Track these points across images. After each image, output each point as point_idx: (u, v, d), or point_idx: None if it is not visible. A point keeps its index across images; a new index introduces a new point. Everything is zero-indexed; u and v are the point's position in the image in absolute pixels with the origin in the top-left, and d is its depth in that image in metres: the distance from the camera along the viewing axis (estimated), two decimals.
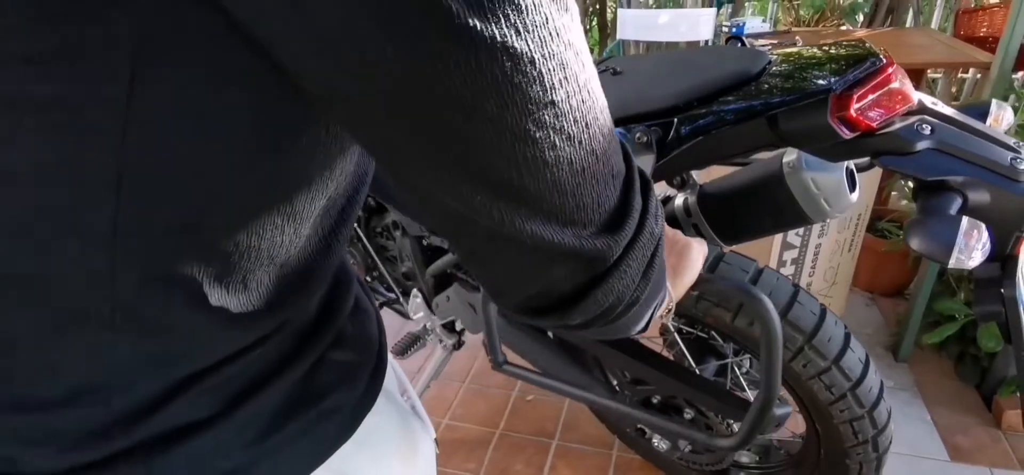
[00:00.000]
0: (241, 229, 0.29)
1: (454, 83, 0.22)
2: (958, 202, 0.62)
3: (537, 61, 0.23)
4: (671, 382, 0.94)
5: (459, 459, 1.35)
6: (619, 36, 3.35)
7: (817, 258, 1.49)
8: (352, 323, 0.41)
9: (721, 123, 0.70)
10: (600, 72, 0.90)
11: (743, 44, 0.89)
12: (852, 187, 0.81)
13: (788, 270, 1.47)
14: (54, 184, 0.24)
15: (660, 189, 1.17)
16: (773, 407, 0.63)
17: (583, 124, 0.26)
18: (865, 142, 0.64)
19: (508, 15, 0.21)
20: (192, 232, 0.28)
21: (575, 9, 0.25)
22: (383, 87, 0.22)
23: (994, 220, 0.63)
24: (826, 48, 0.75)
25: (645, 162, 0.72)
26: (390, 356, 0.50)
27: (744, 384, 1.16)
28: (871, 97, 0.62)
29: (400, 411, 0.46)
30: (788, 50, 0.78)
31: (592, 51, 4.43)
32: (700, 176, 1.09)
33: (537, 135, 0.25)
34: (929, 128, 0.62)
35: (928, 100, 0.66)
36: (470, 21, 0.21)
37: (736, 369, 1.15)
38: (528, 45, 0.22)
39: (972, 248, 0.56)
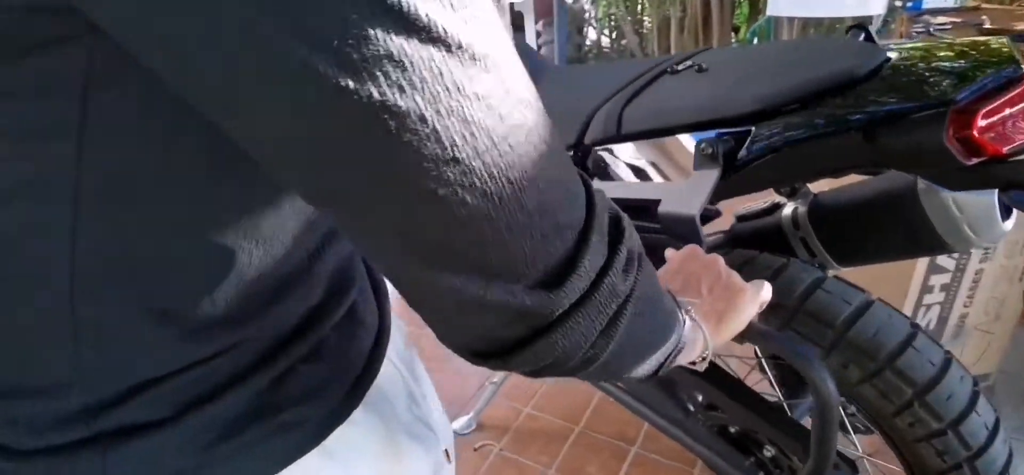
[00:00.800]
0: (202, 250, 0.30)
1: (339, 142, 0.22)
2: None
3: (429, 119, 0.22)
4: (744, 413, 0.84)
5: (534, 451, 1.35)
6: (769, 12, 3.04)
7: (977, 286, 1.24)
8: (338, 334, 0.41)
9: (809, 135, 0.60)
10: (681, 70, 0.81)
11: (868, 35, 0.75)
12: (1006, 213, 0.65)
13: (936, 298, 1.24)
14: (15, 205, 0.27)
15: (767, 196, 1.05)
16: None
17: (503, 180, 0.25)
18: (991, 171, 0.51)
19: (388, 73, 0.20)
20: (151, 252, 0.29)
21: (497, 56, 0.23)
22: (272, 144, 0.23)
23: None
24: (963, 46, 0.60)
25: (705, 178, 0.64)
26: (400, 363, 0.50)
27: (849, 427, 1.01)
28: (1003, 114, 0.49)
29: (386, 425, 0.46)
30: (915, 46, 0.64)
31: (736, 31, 4.07)
32: (817, 184, 0.95)
33: (442, 192, 0.23)
34: None
35: None
36: (343, 82, 0.20)
37: (842, 410, 1.00)
38: (416, 102, 0.21)
39: None
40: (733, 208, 1.14)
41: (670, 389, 1.06)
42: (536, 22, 4.23)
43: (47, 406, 0.33)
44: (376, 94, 0.20)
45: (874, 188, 0.93)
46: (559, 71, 1.09)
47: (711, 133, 0.66)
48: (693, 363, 0.51)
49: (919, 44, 0.64)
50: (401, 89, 0.21)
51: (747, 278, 0.81)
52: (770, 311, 0.81)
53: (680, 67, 0.82)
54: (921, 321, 1.26)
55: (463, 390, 1.54)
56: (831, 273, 0.84)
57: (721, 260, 0.56)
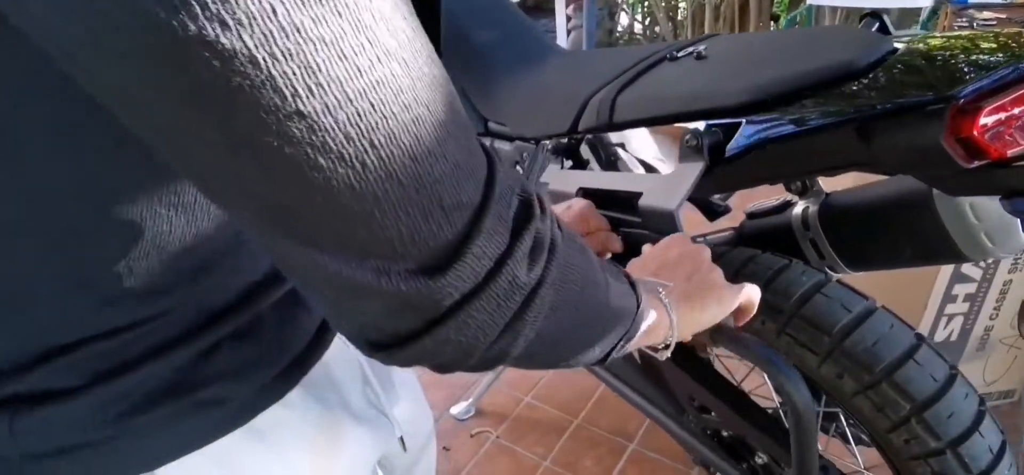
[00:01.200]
0: (119, 217, 0.29)
1: (170, 90, 0.19)
2: None
3: (263, 62, 0.19)
4: (734, 418, 0.81)
5: (530, 440, 1.33)
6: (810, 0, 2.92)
7: (1004, 297, 1.17)
8: (276, 314, 0.40)
9: (799, 130, 0.56)
10: (681, 57, 0.77)
11: (883, 25, 0.70)
12: None
13: (959, 308, 1.17)
14: None
15: (778, 193, 1.00)
16: None
17: (365, 144, 0.22)
18: (993, 175, 0.46)
19: (207, 4, 0.18)
20: (53, 216, 0.28)
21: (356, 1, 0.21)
22: (115, 97, 0.21)
23: None
24: (982, 40, 0.55)
25: (688, 171, 0.61)
26: (363, 365, 0.48)
27: (850, 438, 0.97)
28: (1009, 114, 0.45)
29: (327, 408, 0.44)
30: (929, 37, 0.59)
31: (776, 19, 3.92)
32: (830, 183, 0.90)
33: (289, 152, 0.21)
34: None
35: None
36: (158, 12, 0.18)
37: (843, 421, 0.96)
38: (244, 42, 0.19)
39: None
40: (743, 204, 1.10)
41: (665, 387, 1.03)
42: (566, 6, 4.16)
43: None
44: (193, 28, 0.18)
45: (888, 190, 0.87)
46: (564, 55, 1.06)
47: (701, 124, 0.62)
48: (654, 348, 0.49)
49: (934, 36, 0.60)
50: (224, 24, 0.18)
51: (747, 278, 0.77)
52: (766, 314, 0.77)
53: (680, 54, 0.79)
54: (942, 333, 1.19)
55: (463, 376, 1.53)
56: (835, 278, 0.80)
57: (707, 251, 0.53)
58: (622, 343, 0.41)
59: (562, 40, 4.16)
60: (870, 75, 0.54)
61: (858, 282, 0.75)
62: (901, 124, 0.49)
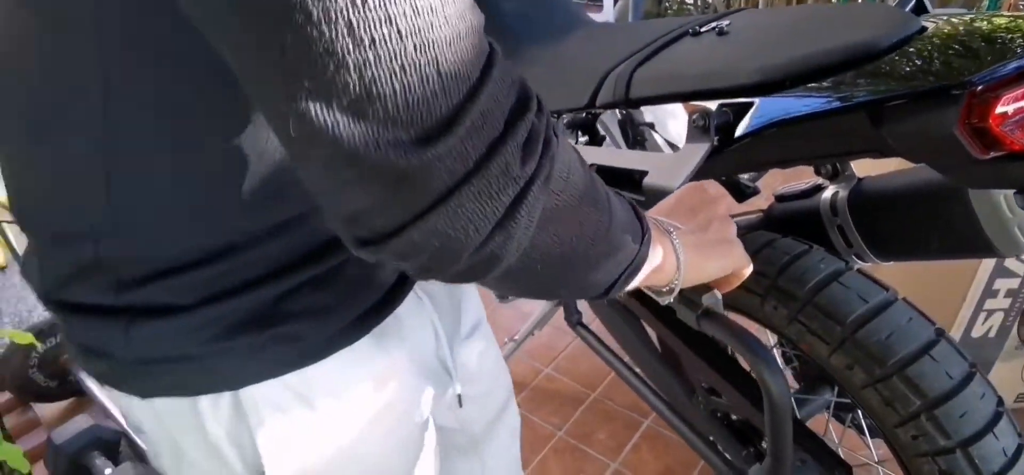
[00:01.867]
0: (227, 127, 0.32)
1: None
2: None
3: None
4: (741, 401, 0.80)
5: (546, 411, 1.35)
6: None
7: None
8: (356, 266, 0.42)
9: (811, 112, 0.54)
10: (703, 32, 0.75)
11: (920, 3, 0.66)
12: None
13: (999, 304, 1.11)
14: (44, 38, 0.30)
15: (808, 176, 0.97)
16: None
17: None
18: (1010, 168, 0.44)
19: None
20: (176, 133, 0.32)
21: None
22: None
23: None
24: (1016, 22, 0.51)
25: (694, 151, 0.59)
26: (428, 298, 0.51)
27: (866, 430, 0.94)
28: None
29: (391, 360, 0.46)
30: (965, 17, 0.56)
31: None
32: (863, 167, 0.87)
33: None
34: None
35: None
36: None
37: (860, 412, 0.93)
38: None
39: None
40: (774, 186, 1.07)
41: (677, 368, 1.03)
42: None
43: (93, 287, 0.36)
44: None
45: (920, 178, 0.83)
46: (591, 27, 1.04)
47: (715, 104, 0.61)
48: (657, 291, 0.49)
49: (972, 16, 0.56)
50: None
51: (764, 262, 0.76)
52: (779, 299, 0.76)
53: (703, 29, 0.76)
54: (981, 328, 1.14)
55: None
56: (856, 267, 0.77)
57: (724, 204, 0.53)
58: (626, 276, 0.40)
59: (609, 11, 4.07)
60: (890, 57, 0.51)
61: (894, 272, 0.72)
62: (914, 110, 0.46)
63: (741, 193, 1.11)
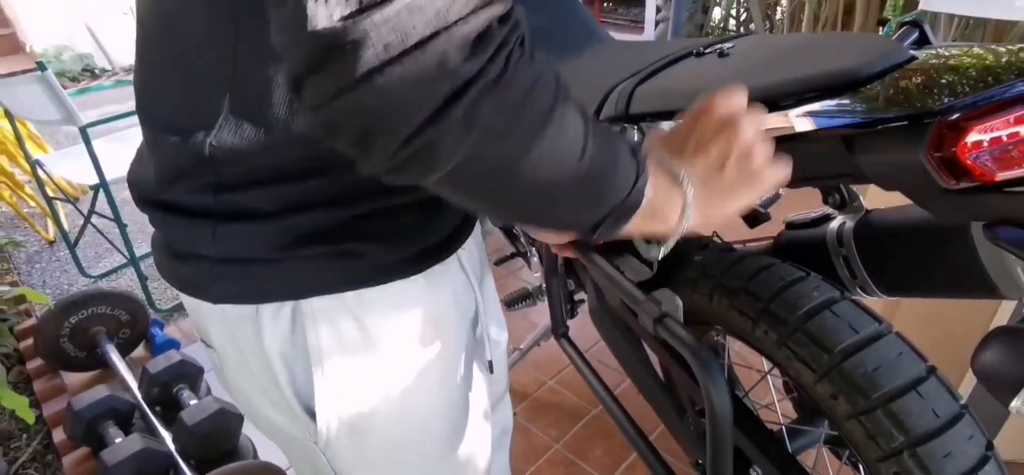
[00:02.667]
0: None
1: None
2: None
3: None
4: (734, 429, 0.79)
5: (544, 422, 1.36)
6: (922, 5, 2.69)
7: None
8: (421, 209, 0.45)
9: (788, 134, 0.54)
10: (707, 53, 0.76)
11: (922, 34, 0.65)
12: None
13: None
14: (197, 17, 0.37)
15: (820, 205, 0.96)
16: None
17: None
18: (979, 200, 0.43)
19: None
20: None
21: None
22: None
23: None
24: (1002, 54, 0.51)
25: None
26: (477, 286, 0.55)
27: (861, 468, 0.91)
28: (1006, 133, 0.42)
29: (438, 310, 0.49)
30: (960, 49, 0.55)
31: (883, 23, 3.61)
32: (873, 200, 0.86)
33: None
34: None
35: None
36: None
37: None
38: None
39: None
40: (785, 214, 1.06)
41: (671, 387, 1.02)
42: None
43: (195, 147, 0.40)
44: None
45: (926, 214, 0.81)
46: (605, 45, 1.06)
47: None
48: (650, 241, 0.50)
49: (966, 47, 0.55)
50: None
51: (759, 286, 0.76)
52: (770, 324, 0.75)
53: (706, 50, 0.77)
54: None
55: None
56: (852, 298, 0.76)
57: (750, 131, 0.44)
58: (612, 219, 0.40)
59: (650, 31, 4.07)
60: (873, 85, 0.52)
61: (914, 308, 0.70)
62: (885, 138, 0.46)
63: (753, 219, 1.10)
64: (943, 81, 0.48)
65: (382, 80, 0.26)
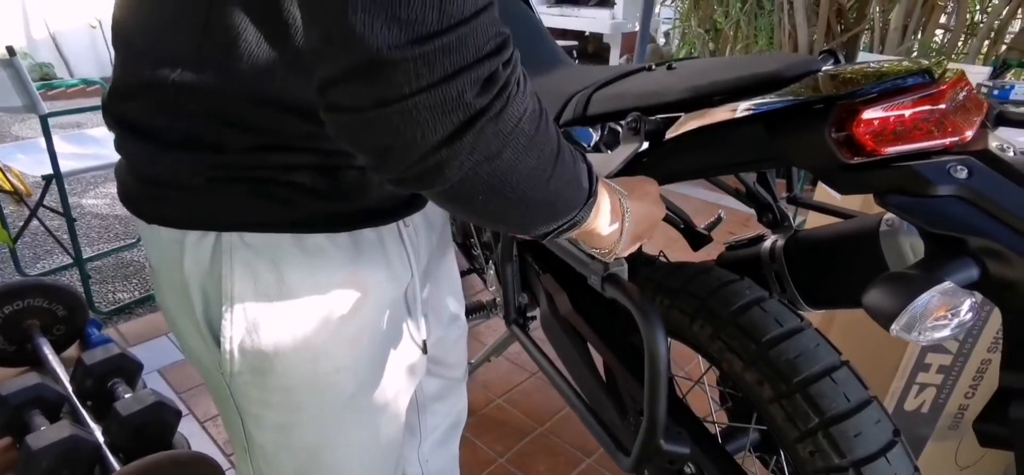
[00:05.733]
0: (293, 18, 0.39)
1: None
2: (972, 272, 0.46)
3: None
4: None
5: (491, 437, 1.36)
6: None
7: (982, 377, 1.15)
8: (360, 172, 0.47)
9: (724, 120, 0.61)
10: (656, 68, 0.84)
11: (836, 60, 0.75)
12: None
13: (931, 379, 1.16)
14: None
15: (756, 227, 1.04)
16: (658, 438, 0.54)
17: None
18: (872, 175, 0.51)
19: None
20: (264, 16, 0.39)
21: None
22: None
23: (1015, 309, 0.45)
24: (893, 65, 0.60)
25: (623, 151, 0.67)
26: (415, 264, 0.56)
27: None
28: (893, 114, 0.49)
29: (363, 274, 0.51)
30: (858, 66, 0.64)
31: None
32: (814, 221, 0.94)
33: None
34: (966, 171, 0.47)
35: (1004, 144, 0.50)
36: None
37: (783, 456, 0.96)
38: None
39: (934, 324, 0.41)
40: (725, 238, 1.14)
41: (613, 388, 1.06)
42: (620, 55, 4.29)
43: (157, 79, 0.42)
44: None
45: (845, 227, 0.90)
46: (573, 67, 1.14)
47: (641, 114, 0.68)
48: (603, 252, 0.54)
49: (868, 63, 0.64)
50: None
51: (698, 286, 0.82)
52: (705, 318, 0.81)
53: (657, 67, 0.86)
54: (913, 402, 1.18)
55: None
56: (777, 297, 0.83)
57: (659, 192, 0.59)
58: (565, 227, 0.46)
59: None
60: (792, 85, 0.59)
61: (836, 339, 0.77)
62: (798, 121, 0.54)
63: (696, 241, 1.18)
64: (845, 81, 0.56)
65: (409, 104, 0.31)
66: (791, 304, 0.95)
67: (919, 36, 2.93)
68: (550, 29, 1.28)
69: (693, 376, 1.10)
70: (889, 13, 2.93)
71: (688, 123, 0.63)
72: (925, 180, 0.47)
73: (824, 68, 0.62)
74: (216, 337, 0.47)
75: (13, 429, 1.23)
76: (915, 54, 2.97)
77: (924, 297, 0.42)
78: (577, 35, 4.82)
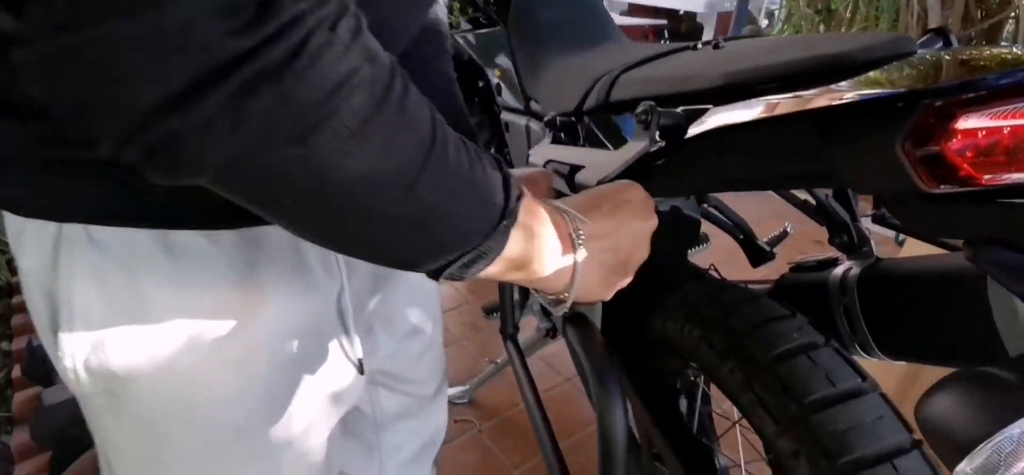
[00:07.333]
0: None
1: None
2: None
3: None
4: (664, 444, 0.69)
5: (508, 445, 1.27)
6: None
7: None
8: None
9: (758, 118, 0.46)
10: (702, 47, 0.69)
11: (947, 41, 0.56)
12: None
13: None
14: None
15: (827, 249, 0.86)
16: None
17: None
18: (964, 213, 0.34)
19: None
20: None
21: None
22: None
23: None
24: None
25: (629, 150, 0.52)
26: (344, 271, 0.46)
27: None
28: (1007, 124, 0.33)
29: (257, 279, 0.40)
30: (976, 50, 0.46)
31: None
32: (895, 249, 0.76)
33: None
34: None
35: None
36: None
37: None
38: None
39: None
40: (791, 256, 0.96)
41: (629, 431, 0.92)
42: (714, 33, 3.98)
43: None
44: None
45: (942, 263, 0.70)
46: (616, 42, 0.99)
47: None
48: (548, 296, 0.42)
49: (978, 48, 0.46)
50: None
51: (738, 319, 0.66)
52: (737, 362, 0.65)
53: (702, 45, 0.70)
54: None
55: (476, 365, 1.50)
56: (837, 346, 0.65)
57: (651, 205, 0.45)
58: (465, 257, 0.33)
59: None
60: (867, 72, 0.43)
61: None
62: (861, 123, 0.38)
63: (757, 257, 1.00)
64: (944, 70, 0.39)
65: (99, 35, 0.21)
66: (860, 349, 0.77)
67: None
68: (638, 7, 1.13)
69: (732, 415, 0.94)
70: None
71: (713, 118, 0.48)
72: None
73: (921, 52, 0.45)
74: None
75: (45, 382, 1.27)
76: None
77: (1019, 426, 0.26)
78: (669, 13, 4.51)
